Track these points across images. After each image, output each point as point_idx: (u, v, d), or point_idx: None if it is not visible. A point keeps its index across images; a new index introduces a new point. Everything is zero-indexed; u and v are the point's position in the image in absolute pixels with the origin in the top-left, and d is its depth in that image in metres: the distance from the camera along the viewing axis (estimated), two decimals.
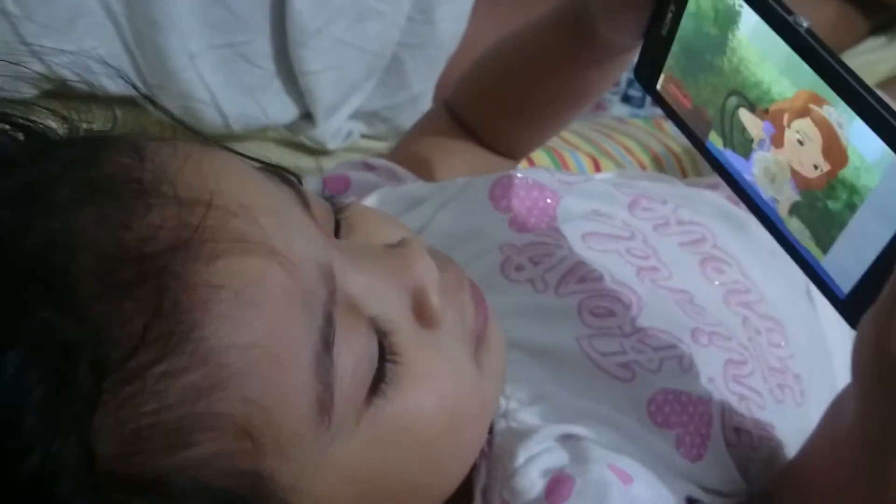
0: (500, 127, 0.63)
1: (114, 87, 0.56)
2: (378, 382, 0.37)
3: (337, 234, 0.42)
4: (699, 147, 0.45)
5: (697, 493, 0.46)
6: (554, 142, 0.80)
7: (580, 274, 0.51)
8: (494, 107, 0.63)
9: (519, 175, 0.56)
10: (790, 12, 0.39)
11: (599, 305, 0.50)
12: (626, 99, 0.90)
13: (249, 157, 0.40)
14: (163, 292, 0.33)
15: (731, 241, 0.56)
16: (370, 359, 0.37)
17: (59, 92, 0.60)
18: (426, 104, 0.86)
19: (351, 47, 0.80)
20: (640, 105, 0.90)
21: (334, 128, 0.83)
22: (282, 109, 0.81)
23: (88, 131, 0.40)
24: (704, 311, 0.51)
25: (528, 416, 0.46)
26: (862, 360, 0.38)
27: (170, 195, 0.34)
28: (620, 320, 0.49)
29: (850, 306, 0.39)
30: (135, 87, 0.45)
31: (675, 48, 0.45)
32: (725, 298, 0.53)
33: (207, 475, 0.33)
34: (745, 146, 0.43)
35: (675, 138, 0.87)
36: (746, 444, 0.48)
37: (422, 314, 0.40)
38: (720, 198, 0.60)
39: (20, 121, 0.39)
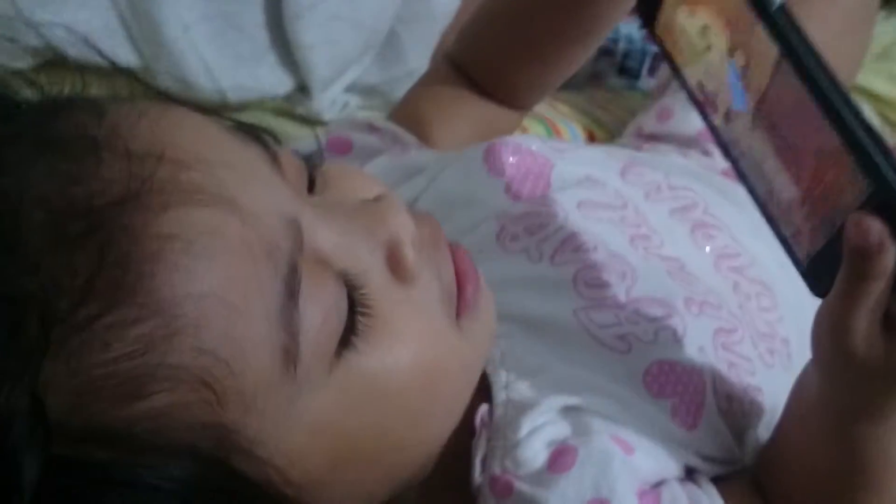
0: (506, 73, 0.62)
1: (108, 59, 0.56)
2: (348, 335, 0.37)
3: (311, 190, 0.41)
4: (686, 89, 0.45)
5: (695, 462, 0.47)
6: (549, 112, 0.80)
7: (575, 244, 0.51)
8: (500, 51, 0.62)
9: (511, 141, 0.56)
10: None
11: (594, 276, 0.50)
12: (622, 70, 0.89)
13: (224, 117, 0.40)
14: (111, 244, 0.33)
15: (721, 206, 0.56)
16: (339, 311, 0.37)
17: (56, 63, 0.60)
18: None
19: (346, 22, 0.80)
20: (637, 76, 0.90)
21: (330, 100, 0.83)
22: (277, 81, 0.81)
23: (58, 96, 0.40)
24: (695, 279, 0.51)
25: (528, 388, 0.46)
26: (821, 345, 0.40)
27: (122, 150, 0.34)
28: (615, 290, 0.49)
29: (810, 275, 0.40)
30: (112, 61, 0.45)
31: None
32: (716, 264, 0.53)
33: (169, 427, 0.33)
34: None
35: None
36: (738, 410, 0.48)
37: (396, 268, 0.40)
38: (692, 163, 0.62)
39: None
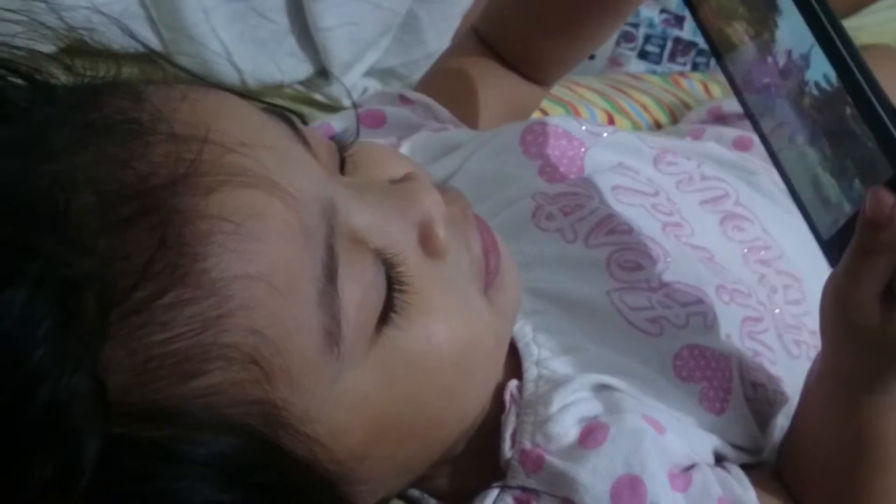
0: (532, 47, 0.62)
1: (129, 42, 0.56)
2: (388, 312, 0.38)
3: (342, 171, 0.42)
4: (727, 75, 0.45)
5: (723, 448, 0.47)
6: (569, 96, 0.79)
7: (610, 226, 0.51)
8: (526, 25, 0.62)
9: (549, 122, 0.56)
10: None
11: (628, 259, 0.50)
12: (643, 55, 0.89)
13: (253, 99, 0.41)
14: (164, 225, 0.33)
15: (752, 198, 0.56)
16: (378, 289, 0.38)
17: (76, 47, 0.60)
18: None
19: (366, 3, 0.80)
20: (658, 61, 0.89)
21: (349, 85, 0.82)
22: (296, 66, 0.81)
23: (92, 79, 0.40)
24: (725, 269, 0.51)
25: (560, 366, 0.46)
26: (825, 316, 0.42)
27: (166, 133, 0.35)
28: (648, 274, 0.50)
29: (830, 249, 0.41)
30: (144, 44, 0.46)
31: None
32: (745, 256, 0.53)
33: (221, 404, 0.34)
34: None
35: (692, 95, 0.87)
36: (763, 398, 0.48)
37: (428, 245, 0.40)
38: (727, 151, 0.61)
39: (24, 69, 0.39)
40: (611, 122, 0.80)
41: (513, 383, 0.45)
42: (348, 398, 0.37)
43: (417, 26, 0.84)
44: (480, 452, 0.45)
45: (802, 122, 0.41)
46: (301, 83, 0.83)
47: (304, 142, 0.39)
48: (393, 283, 0.38)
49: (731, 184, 0.56)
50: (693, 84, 0.88)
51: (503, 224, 0.51)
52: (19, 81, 0.39)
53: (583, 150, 0.55)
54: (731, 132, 0.67)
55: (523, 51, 0.62)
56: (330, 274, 0.36)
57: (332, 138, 0.43)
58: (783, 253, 0.54)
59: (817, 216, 0.42)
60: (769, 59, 0.42)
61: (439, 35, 0.85)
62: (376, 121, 0.60)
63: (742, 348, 0.49)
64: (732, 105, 0.70)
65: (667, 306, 0.48)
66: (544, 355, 0.46)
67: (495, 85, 0.63)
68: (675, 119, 0.83)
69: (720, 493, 0.44)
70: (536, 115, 0.69)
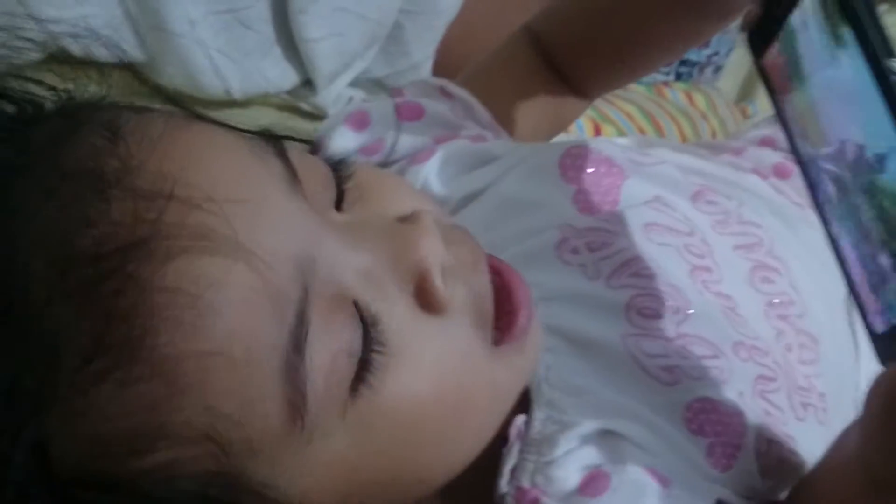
0: (588, 61, 0.59)
1: (113, 54, 0.56)
2: (364, 373, 0.36)
3: (341, 203, 0.40)
4: (786, 131, 0.43)
5: (728, 497, 0.45)
6: None
7: (634, 269, 0.49)
8: (589, 40, 0.59)
9: (591, 146, 0.54)
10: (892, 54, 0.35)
11: (648, 306, 0.48)
12: None
13: (242, 130, 0.39)
14: (117, 296, 0.32)
15: (785, 246, 0.54)
16: (352, 353, 0.36)
17: (61, 58, 0.60)
18: (426, 73, 0.86)
19: (352, 15, 0.80)
20: None
21: (334, 95, 0.83)
22: (282, 75, 0.81)
23: (72, 101, 0.39)
24: (745, 322, 0.50)
25: (569, 408, 0.45)
26: (870, 411, 0.39)
27: (130, 187, 0.33)
28: (665, 324, 0.48)
29: (881, 343, 0.38)
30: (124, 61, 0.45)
31: (788, 31, 0.42)
32: (766, 311, 0.51)
33: (175, 475, 0.34)
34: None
35: (675, 105, 0.87)
36: (775, 454, 0.47)
37: (424, 299, 0.39)
38: (768, 187, 0.58)
39: (14, 89, 0.39)
40: (597, 131, 0.81)
41: (520, 419, 0.44)
42: (320, 463, 0.36)
43: (402, 37, 0.84)
44: (474, 482, 0.43)
45: (863, 230, 0.38)
46: (287, 93, 0.83)
47: (293, 178, 0.38)
48: (372, 344, 0.37)
49: (767, 230, 0.54)
50: (676, 94, 0.88)
51: (526, 252, 0.50)
52: (6, 104, 0.38)
53: (621, 179, 0.53)
54: (771, 157, 0.62)
55: (578, 63, 0.59)
56: (297, 343, 0.34)
57: (335, 165, 0.41)
58: (806, 311, 0.52)
59: (869, 303, 0.38)
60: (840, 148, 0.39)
61: (424, 46, 0.85)
62: (414, 113, 0.57)
63: (753, 407, 0.47)
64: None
65: (683, 357, 0.47)
66: (554, 396, 0.45)
67: (540, 93, 0.60)
68: (659, 128, 0.83)
69: None
70: None
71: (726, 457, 0.45)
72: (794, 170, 0.60)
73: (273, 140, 0.39)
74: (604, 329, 0.47)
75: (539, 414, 0.45)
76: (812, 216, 0.56)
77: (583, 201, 0.52)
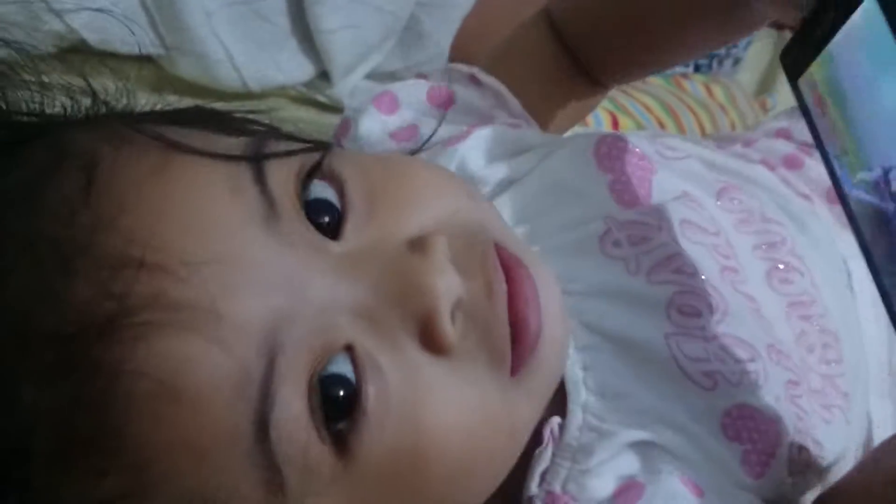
0: (609, 52, 0.57)
1: (130, 46, 0.56)
2: (353, 429, 0.34)
3: (338, 232, 0.38)
4: (826, 163, 0.41)
5: (753, 502, 0.45)
6: None
7: (675, 265, 0.48)
8: (613, 37, 0.57)
9: (622, 136, 0.53)
10: None
11: (688, 303, 0.47)
12: None
13: (221, 156, 0.36)
14: (83, 384, 0.32)
15: (805, 246, 0.53)
16: (337, 409, 0.34)
17: (79, 49, 0.60)
18: (442, 65, 0.85)
19: (368, 7, 0.80)
20: None
21: (351, 87, 0.82)
22: (298, 68, 0.81)
23: (59, 119, 0.38)
24: (769, 325, 0.49)
25: (607, 414, 0.44)
26: None
27: (99, 255, 0.32)
28: (704, 322, 0.46)
29: None
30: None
31: (827, 54, 0.40)
32: (787, 312, 0.50)
33: None
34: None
35: (694, 97, 0.86)
36: (804, 459, 0.46)
37: (430, 342, 0.36)
38: (775, 178, 0.57)
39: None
40: (615, 123, 0.80)
41: (555, 421, 0.43)
42: None
43: (419, 30, 0.84)
44: (508, 481, 0.42)
45: None
46: (303, 85, 0.83)
47: (270, 207, 0.35)
48: (365, 397, 0.35)
49: (788, 227, 0.53)
50: (695, 85, 0.88)
51: (570, 243, 0.48)
52: None
53: (651, 173, 0.52)
54: (784, 147, 0.62)
55: (598, 53, 0.58)
56: (262, 423, 0.33)
57: (342, 191, 0.38)
58: (827, 310, 0.51)
59: None
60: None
61: (441, 39, 0.85)
62: (444, 100, 0.55)
63: (787, 412, 0.46)
64: (803, 133, 0.63)
65: (722, 360, 0.46)
66: (592, 400, 0.44)
67: (559, 80, 0.59)
68: (678, 120, 0.83)
69: None
70: None
71: (760, 465, 0.45)
72: (805, 161, 0.59)
73: (259, 160, 0.36)
74: (647, 328, 0.46)
75: (575, 419, 0.44)
76: (819, 209, 0.56)
77: (619, 191, 0.51)
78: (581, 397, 0.44)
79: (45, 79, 0.40)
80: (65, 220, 0.33)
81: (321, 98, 0.83)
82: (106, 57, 0.43)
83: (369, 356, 0.35)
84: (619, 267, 0.48)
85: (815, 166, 0.58)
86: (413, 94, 0.55)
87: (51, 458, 0.32)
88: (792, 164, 0.60)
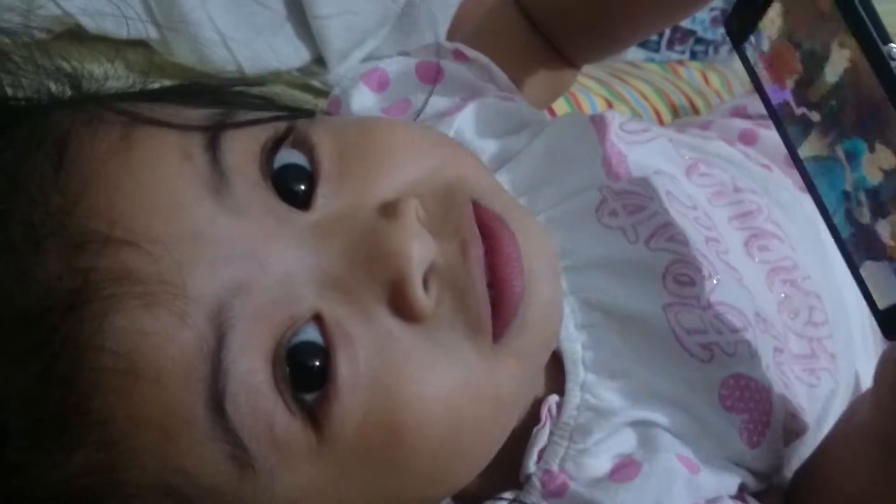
0: (577, 28, 0.58)
1: (125, 30, 0.56)
2: (323, 402, 0.34)
3: (309, 202, 0.37)
4: (778, 127, 0.42)
5: (747, 478, 0.46)
6: None
7: (669, 233, 0.48)
8: (574, 14, 0.57)
9: (606, 116, 0.53)
10: (886, 40, 0.35)
11: (683, 272, 0.47)
12: (641, 42, 0.88)
13: (176, 125, 0.36)
14: (55, 361, 0.32)
15: (779, 212, 0.54)
16: (304, 382, 0.34)
17: (73, 33, 0.60)
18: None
19: None
20: (656, 49, 0.89)
21: (345, 73, 0.82)
22: (294, 53, 0.80)
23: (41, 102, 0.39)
24: (752, 294, 0.49)
25: (605, 393, 0.44)
26: (884, 381, 0.39)
27: (67, 233, 0.33)
28: (699, 291, 0.47)
29: (886, 319, 0.37)
30: None
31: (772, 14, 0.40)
32: (769, 279, 0.51)
33: None
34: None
35: (690, 83, 0.86)
36: (797, 428, 0.47)
37: (401, 309, 0.35)
38: (735, 152, 0.58)
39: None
40: (609, 108, 0.80)
41: (553, 399, 0.44)
42: (295, 499, 0.35)
43: (416, 16, 0.84)
44: (504, 457, 0.42)
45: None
46: (298, 70, 0.83)
47: (225, 185, 0.35)
48: (335, 366, 0.34)
49: (763, 198, 0.54)
50: (691, 73, 0.87)
51: (567, 214, 0.48)
52: None
53: (626, 148, 0.52)
54: (739, 124, 0.63)
55: (566, 30, 0.58)
56: (216, 399, 0.33)
57: (311, 157, 0.38)
58: (809, 274, 0.52)
59: (872, 282, 0.38)
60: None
61: (436, 25, 0.84)
62: (433, 75, 0.54)
63: (777, 380, 0.47)
64: (758, 107, 0.66)
65: (718, 331, 0.46)
66: (590, 379, 0.44)
67: (533, 59, 0.58)
68: (673, 108, 0.82)
69: None
70: None
71: (758, 434, 0.45)
72: (760, 133, 0.61)
73: (215, 129, 0.36)
74: (645, 300, 0.46)
75: (573, 397, 0.44)
76: (779, 177, 0.57)
77: (607, 165, 0.51)
78: (580, 376, 0.44)
79: (39, 62, 0.40)
80: (37, 200, 0.33)
81: (317, 84, 0.83)
82: (99, 42, 0.42)
83: (339, 325, 0.34)
84: (619, 236, 0.47)
85: (770, 136, 0.59)
86: (402, 69, 0.54)
87: (24, 436, 0.33)
88: (748, 139, 0.61)
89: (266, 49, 0.79)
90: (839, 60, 0.36)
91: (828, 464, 0.46)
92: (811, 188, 0.40)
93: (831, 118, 0.38)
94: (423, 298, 0.35)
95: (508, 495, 0.43)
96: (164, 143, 0.35)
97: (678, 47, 0.89)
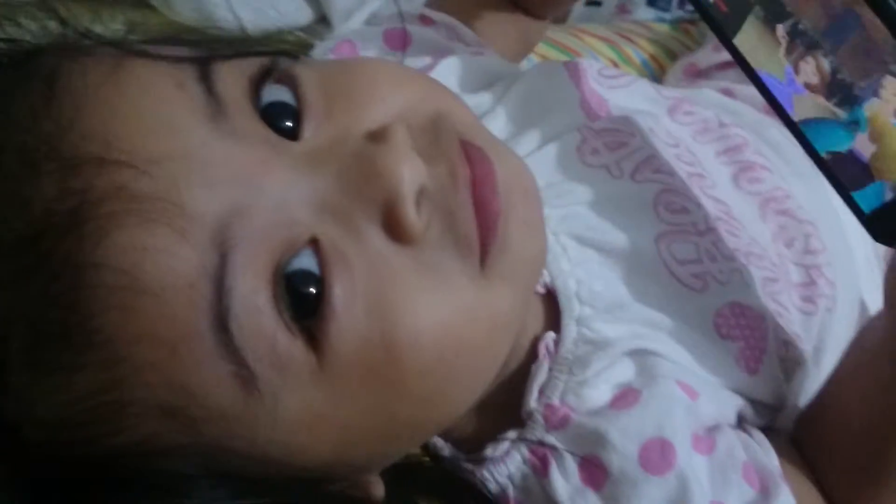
0: None
1: None
2: (321, 323, 0.34)
3: (297, 133, 0.37)
4: (728, 47, 0.43)
5: (745, 409, 0.46)
6: (575, 44, 0.78)
7: (655, 165, 0.49)
8: None
9: (581, 63, 0.54)
10: None
11: (674, 201, 0.48)
12: (651, 2, 0.87)
13: (168, 57, 0.36)
14: (56, 280, 0.32)
15: (768, 148, 0.54)
16: (303, 302, 0.34)
17: None
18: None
19: None
20: (667, 8, 0.87)
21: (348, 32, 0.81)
22: (297, 11, 0.80)
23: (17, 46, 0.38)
24: (741, 226, 0.50)
25: (601, 326, 0.45)
26: (893, 301, 0.40)
27: (62, 156, 0.33)
28: (694, 218, 0.48)
29: (874, 222, 0.38)
30: None
31: None
32: (762, 208, 0.51)
33: (153, 453, 0.33)
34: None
35: (701, 42, 0.85)
36: (791, 357, 0.48)
37: (394, 230, 0.35)
38: (723, 97, 0.59)
39: None
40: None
41: (549, 336, 0.44)
42: (294, 421, 0.35)
43: None
44: (504, 398, 0.43)
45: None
46: (301, 29, 0.82)
47: (221, 112, 0.35)
48: (331, 288, 0.34)
49: (748, 130, 0.54)
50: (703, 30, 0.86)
51: (548, 158, 0.49)
52: None
53: (607, 92, 0.53)
54: (714, 85, 0.64)
55: None
56: (220, 319, 0.33)
57: (297, 93, 0.37)
58: (802, 203, 0.52)
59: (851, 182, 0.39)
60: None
61: None
62: (400, 41, 0.54)
63: (770, 308, 0.48)
64: (707, 58, 0.68)
65: (712, 258, 0.47)
66: (586, 313, 0.45)
67: (501, 16, 0.59)
68: None
69: (744, 457, 0.43)
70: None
71: (754, 360, 0.46)
72: (736, 90, 0.62)
73: (204, 62, 0.36)
74: (636, 233, 0.47)
75: (570, 332, 0.44)
76: (766, 119, 0.56)
77: (586, 108, 0.51)
78: (575, 311, 0.45)
79: (37, 15, 0.40)
80: (29, 127, 0.33)
81: (319, 43, 0.81)
82: (99, 3, 0.42)
83: (335, 248, 0.35)
84: (602, 173, 0.49)
85: (747, 90, 0.59)
86: (370, 38, 0.55)
87: (26, 359, 0.33)
88: (727, 93, 0.62)
89: (269, 6, 0.78)
90: None
91: (839, 393, 0.46)
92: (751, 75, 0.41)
93: None
94: (415, 219, 0.35)
95: (511, 434, 0.43)
96: (157, 73, 0.36)
97: (689, 6, 0.88)
